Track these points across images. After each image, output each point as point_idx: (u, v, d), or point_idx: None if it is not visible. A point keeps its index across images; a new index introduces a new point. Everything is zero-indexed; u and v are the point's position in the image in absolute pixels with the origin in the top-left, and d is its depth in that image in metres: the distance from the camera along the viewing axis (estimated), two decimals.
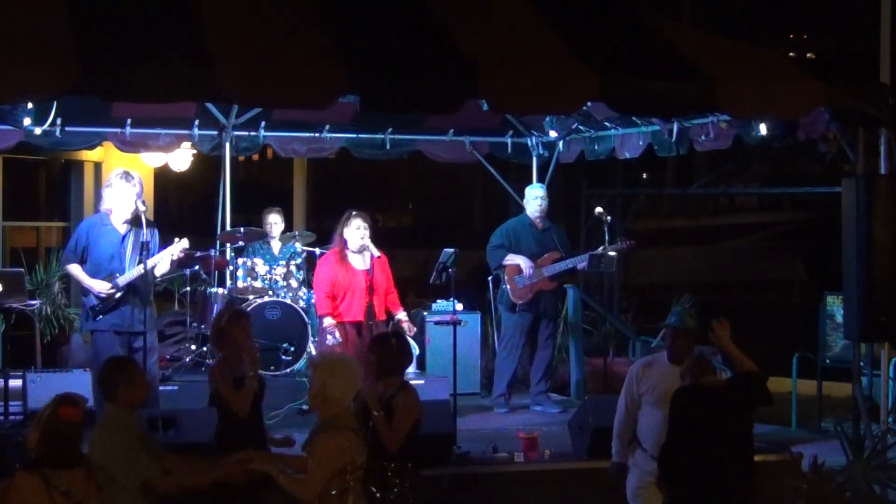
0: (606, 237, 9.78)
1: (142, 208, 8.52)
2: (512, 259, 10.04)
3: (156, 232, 8.70)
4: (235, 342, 6.43)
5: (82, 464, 5.02)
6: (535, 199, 10.22)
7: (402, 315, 9.13)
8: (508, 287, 10.09)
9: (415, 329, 9.40)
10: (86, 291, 8.57)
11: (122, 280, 8.46)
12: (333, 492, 5.36)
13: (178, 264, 9.05)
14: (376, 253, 8.83)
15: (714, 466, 5.87)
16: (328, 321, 8.90)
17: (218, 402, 6.44)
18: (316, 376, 5.51)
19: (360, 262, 8.94)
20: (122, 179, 8.54)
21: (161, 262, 8.59)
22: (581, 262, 9.96)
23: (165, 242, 8.75)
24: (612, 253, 9.88)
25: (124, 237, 8.55)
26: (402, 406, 6.10)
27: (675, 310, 6.87)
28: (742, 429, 6.05)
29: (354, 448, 5.42)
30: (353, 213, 9.01)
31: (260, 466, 5.53)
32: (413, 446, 6.15)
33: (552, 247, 10.10)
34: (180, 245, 8.61)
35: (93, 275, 8.50)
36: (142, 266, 8.39)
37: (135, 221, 8.53)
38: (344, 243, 8.96)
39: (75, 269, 8.59)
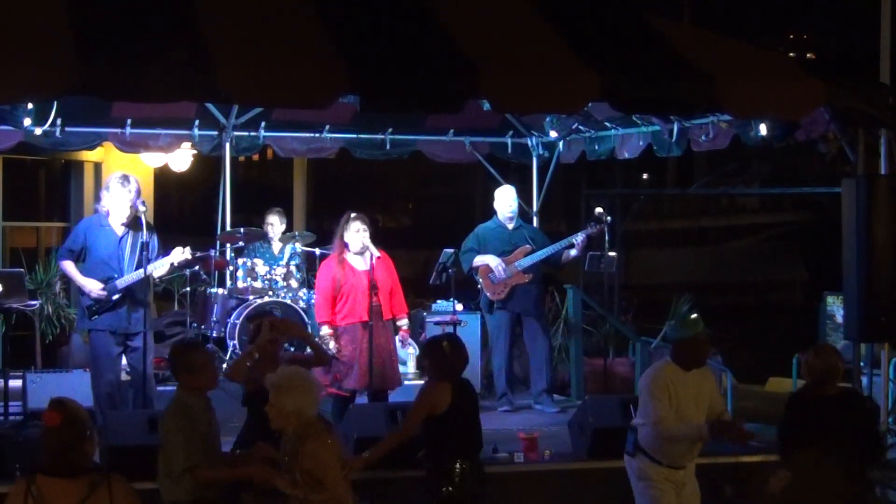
0: (607, 238, 9.78)
1: (142, 209, 8.57)
2: (481, 259, 10.06)
3: (154, 236, 8.73)
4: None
5: (80, 474, 4.70)
6: (499, 202, 10.22)
7: (403, 322, 9.07)
8: (483, 285, 10.13)
9: (410, 341, 9.42)
10: (82, 291, 8.61)
11: (121, 283, 8.49)
12: (327, 488, 5.50)
13: (178, 267, 9.09)
14: (377, 253, 8.81)
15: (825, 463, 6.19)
16: (325, 330, 8.81)
17: (251, 400, 6.55)
18: (289, 399, 5.56)
19: (360, 263, 8.91)
20: (119, 183, 8.61)
21: (160, 268, 8.66)
22: (559, 247, 9.96)
23: (166, 246, 8.79)
24: (612, 253, 9.88)
25: (122, 239, 8.60)
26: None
27: (675, 321, 6.80)
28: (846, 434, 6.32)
29: (335, 449, 5.59)
30: (352, 215, 8.96)
31: (279, 484, 5.59)
32: (429, 438, 6.28)
33: (523, 243, 10.12)
34: (183, 256, 8.67)
35: (90, 275, 8.53)
36: (141, 270, 8.45)
37: (133, 224, 8.60)
38: (344, 246, 8.93)
39: (69, 267, 8.63)
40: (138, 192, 8.64)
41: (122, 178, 8.65)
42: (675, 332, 6.57)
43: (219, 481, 5.71)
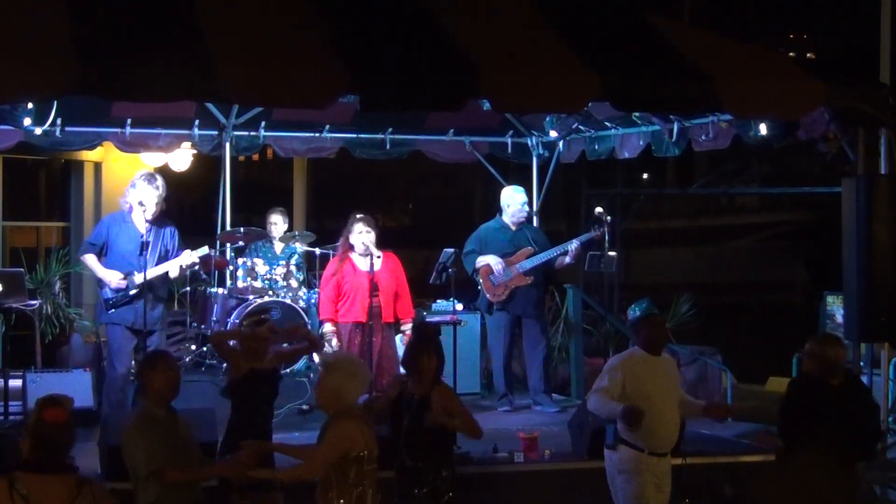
0: (607, 238, 9.78)
1: (140, 208, 8.64)
2: (482, 260, 10.06)
3: (176, 232, 8.87)
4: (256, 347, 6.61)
5: (66, 472, 4.73)
6: (509, 206, 10.20)
7: (406, 327, 9.11)
8: (483, 287, 10.12)
9: None
10: (101, 284, 8.74)
11: (138, 278, 8.57)
12: (351, 475, 5.42)
13: (187, 268, 9.19)
14: (377, 254, 8.82)
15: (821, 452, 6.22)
16: (327, 327, 8.91)
17: (232, 390, 6.52)
18: (331, 378, 5.56)
19: (364, 264, 8.93)
20: (146, 181, 8.78)
21: (172, 268, 8.79)
22: (558, 251, 9.97)
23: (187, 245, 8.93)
24: (611, 253, 9.88)
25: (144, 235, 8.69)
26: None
27: (637, 305, 6.94)
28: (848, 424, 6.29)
29: (367, 438, 5.50)
30: (357, 216, 9.01)
31: (257, 474, 5.60)
32: (446, 443, 6.23)
33: (525, 244, 10.12)
34: (191, 258, 8.82)
35: (111, 269, 8.63)
36: (158, 267, 8.64)
37: (157, 221, 8.68)
38: (349, 247, 8.98)
39: (90, 260, 8.80)
40: (163, 192, 8.77)
41: (149, 176, 8.84)
42: (637, 313, 6.75)
43: (189, 481, 5.62)
